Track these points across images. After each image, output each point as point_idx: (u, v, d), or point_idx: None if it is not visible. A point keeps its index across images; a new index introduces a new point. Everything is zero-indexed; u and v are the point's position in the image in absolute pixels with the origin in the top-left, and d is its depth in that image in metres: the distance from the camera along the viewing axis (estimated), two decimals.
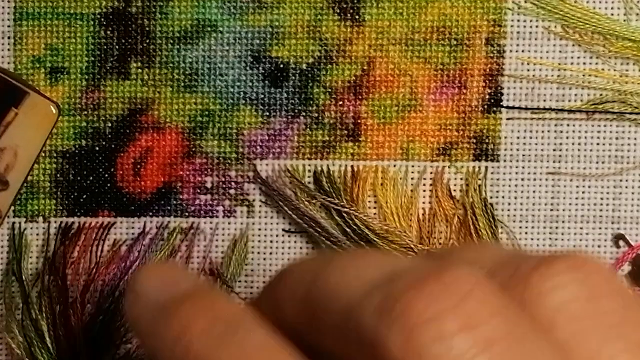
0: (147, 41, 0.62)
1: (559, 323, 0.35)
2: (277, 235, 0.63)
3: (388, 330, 0.33)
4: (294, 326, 0.38)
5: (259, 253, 0.63)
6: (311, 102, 0.62)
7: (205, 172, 0.63)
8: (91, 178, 0.63)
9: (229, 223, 0.63)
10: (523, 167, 0.63)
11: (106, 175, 0.63)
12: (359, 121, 0.63)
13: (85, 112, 0.63)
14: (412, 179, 0.63)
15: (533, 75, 0.62)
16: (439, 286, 0.33)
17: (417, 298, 0.33)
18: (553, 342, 0.35)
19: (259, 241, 0.63)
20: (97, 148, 0.63)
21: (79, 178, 0.63)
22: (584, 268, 0.36)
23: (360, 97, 0.62)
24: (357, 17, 0.62)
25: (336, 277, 0.36)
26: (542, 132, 0.62)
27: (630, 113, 0.63)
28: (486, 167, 0.63)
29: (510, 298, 0.35)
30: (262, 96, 0.63)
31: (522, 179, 0.63)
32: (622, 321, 0.36)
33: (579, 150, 0.63)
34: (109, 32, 0.62)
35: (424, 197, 0.63)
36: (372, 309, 0.34)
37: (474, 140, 0.63)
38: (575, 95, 0.62)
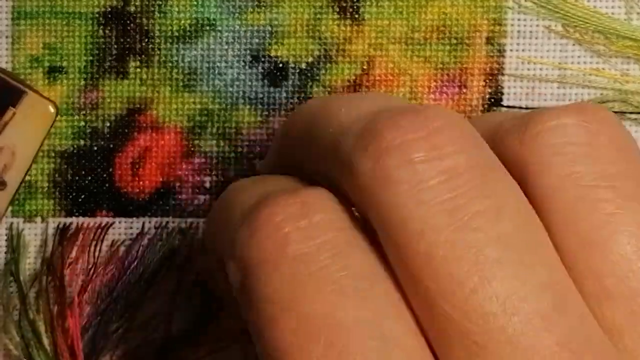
0: (146, 40, 0.62)
1: (551, 165, 0.35)
2: None
3: (360, 155, 0.35)
4: (295, 157, 0.42)
5: None
6: None
7: (204, 172, 0.63)
8: (89, 178, 0.63)
9: None
10: None
11: (104, 175, 0.63)
12: None
13: (84, 112, 0.63)
14: None
15: (534, 75, 0.62)
16: (414, 119, 0.35)
17: (389, 127, 0.35)
18: (531, 185, 0.36)
19: None
20: (95, 148, 0.63)
21: (77, 178, 0.63)
22: (593, 116, 0.36)
23: None
24: (356, 16, 0.62)
25: (334, 109, 0.39)
26: None
27: (632, 112, 0.62)
28: None
29: (495, 143, 0.36)
30: (261, 95, 0.62)
31: None
32: (618, 172, 0.36)
33: None
34: (107, 32, 0.62)
35: None
36: (351, 136, 0.36)
37: None
38: (576, 94, 0.62)
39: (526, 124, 0.37)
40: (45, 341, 0.62)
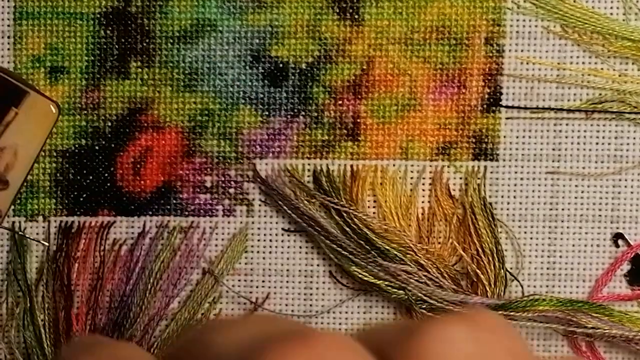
0: (147, 41, 0.62)
1: None
2: (276, 235, 0.63)
3: None
4: None
5: (258, 252, 0.63)
6: (311, 101, 0.63)
7: (205, 172, 0.63)
8: (91, 177, 0.63)
9: (228, 222, 0.63)
10: (522, 167, 0.63)
11: (106, 175, 0.63)
12: (358, 120, 0.63)
13: (85, 112, 0.63)
14: (411, 178, 0.63)
15: (532, 75, 0.62)
16: (300, 348, 0.32)
17: (272, 358, 0.31)
18: None
19: (259, 240, 0.63)
20: (97, 147, 0.63)
21: (78, 177, 0.63)
22: (482, 325, 0.34)
23: (359, 96, 0.63)
24: (356, 16, 0.62)
25: (209, 340, 0.35)
26: (541, 131, 0.63)
27: (629, 112, 0.63)
28: (485, 167, 0.63)
29: (383, 358, 0.33)
30: (262, 95, 0.63)
31: (521, 179, 0.63)
32: None
33: (578, 149, 0.63)
34: (108, 32, 0.62)
35: (423, 196, 0.63)
36: None
37: (473, 140, 0.63)
38: (575, 94, 0.63)
39: (410, 336, 0.33)
40: (46, 344, 0.62)
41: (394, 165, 0.63)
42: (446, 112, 0.63)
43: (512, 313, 0.62)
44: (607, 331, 0.62)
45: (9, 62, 0.62)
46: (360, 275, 0.63)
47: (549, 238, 0.63)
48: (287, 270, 0.64)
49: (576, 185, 0.63)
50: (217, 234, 0.63)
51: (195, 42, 0.62)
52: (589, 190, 0.63)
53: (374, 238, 0.62)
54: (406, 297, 0.62)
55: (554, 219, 0.63)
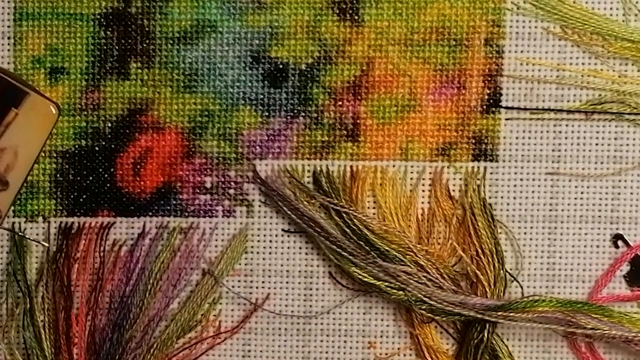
0: (147, 41, 0.62)
1: None
2: (276, 235, 0.63)
3: None
4: None
5: (258, 253, 0.63)
6: (310, 102, 0.63)
7: (205, 172, 0.63)
8: (91, 178, 0.63)
9: (228, 223, 0.63)
10: (522, 168, 0.63)
11: (106, 175, 0.63)
12: (358, 121, 0.63)
13: (85, 112, 0.63)
14: (411, 179, 0.63)
15: (532, 76, 0.62)
16: None
17: None
18: None
19: (259, 241, 0.63)
20: (97, 148, 0.63)
21: (78, 178, 0.63)
22: None
23: (359, 97, 0.63)
24: (356, 17, 0.62)
25: None
26: (541, 132, 0.63)
27: (629, 113, 0.63)
28: (485, 167, 0.63)
29: None
30: (262, 96, 0.63)
31: (521, 179, 0.63)
32: None
33: (577, 150, 0.63)
34: (108, 33, 0.62)
35: (423, 197, 0.63)
36: None
37: (473, 141, 0.63)
38: (574, 95, 0.63)
39: None
40: (46, 345, 0.62)
41: (393, 166, 0.63)
42: (446, 113, 0.63)
43: (511, 314, 0.62)
44: (606, 332, 0.62)
45: (9, 63, 0.62)
46: (360, 276, 0.63)
47: (549, 239, 0.63)
48: (287, 270, 0.64)
49: (576, 186, 0.63)
50: (217, 234, 0.63)
51: (195, 43, 0.62)
52: (589, 191, 0.63)
53: (373, 239, 0.63)
54: (406, 297, 0.63)
55: (554, 220, 0.63)
